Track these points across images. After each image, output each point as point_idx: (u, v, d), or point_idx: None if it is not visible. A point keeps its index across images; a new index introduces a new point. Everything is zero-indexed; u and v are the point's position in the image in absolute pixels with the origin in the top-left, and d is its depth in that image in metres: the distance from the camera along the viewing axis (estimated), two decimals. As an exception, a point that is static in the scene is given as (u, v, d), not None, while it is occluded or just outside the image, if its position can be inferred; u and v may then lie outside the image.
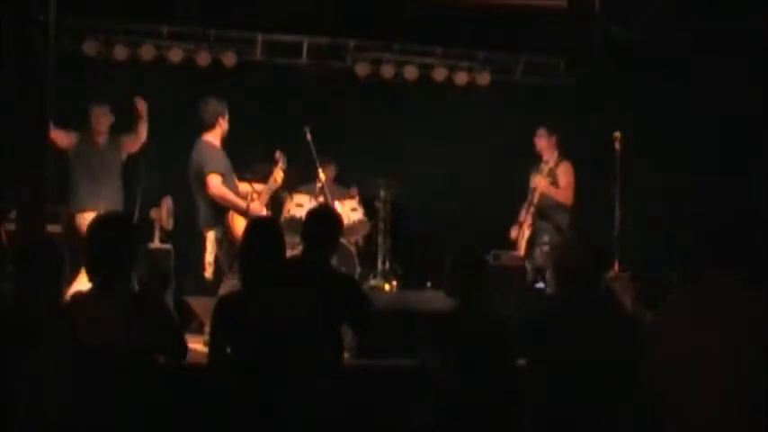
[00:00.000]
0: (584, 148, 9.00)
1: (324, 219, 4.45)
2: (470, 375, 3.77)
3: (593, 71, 8.56)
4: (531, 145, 7.55)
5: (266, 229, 3.80)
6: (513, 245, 7.29)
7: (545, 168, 7.21)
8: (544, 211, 7.10)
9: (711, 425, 2.67)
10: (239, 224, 6.06)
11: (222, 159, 6.32)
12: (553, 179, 7.12)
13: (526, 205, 7.31)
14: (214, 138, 6.31)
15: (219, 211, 6.20)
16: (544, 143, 7.27)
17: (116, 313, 3.13)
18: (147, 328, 3.15)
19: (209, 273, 6.11)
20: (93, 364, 3.05)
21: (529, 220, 7.09)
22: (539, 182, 7.07)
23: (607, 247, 4.42)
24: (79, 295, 3.26)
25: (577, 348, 3.54)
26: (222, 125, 6.33)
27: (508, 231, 7.47)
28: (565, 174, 7.08)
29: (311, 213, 4.64)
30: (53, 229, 7.23)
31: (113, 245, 3.26)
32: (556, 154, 7.23)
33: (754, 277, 2.75)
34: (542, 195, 7.08)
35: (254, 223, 4.07)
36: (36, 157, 6.41)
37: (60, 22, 7.52)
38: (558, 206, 7.06)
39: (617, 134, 7.06)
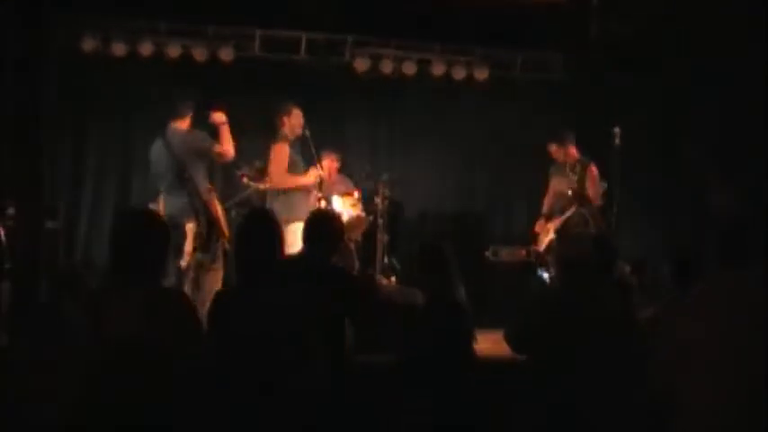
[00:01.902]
0: (583, 144, 9.03)
1: (325, 220, 4.51)
2: (434, 369, 3.80)
3: (592, 67, 8.57)
4: (529, 141, 7.51)
5: (263, 225, 3.75)
6: (535, 238, 7.25)
7: (569, 173, 7.09)
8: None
9: (717, 422, 2.66)
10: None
11: None
12: (581, 183, 7.02)
13: (549, 202, 7.24)
14: (185, 125, 6.29)
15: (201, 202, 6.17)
16: (561, 154, 7.19)
17: (143, 310, 3.11)
18: (171, 326, 3.13)
19: (185, 262, 6.08)
20: (116, 359, 3.03)
21: (556, 224, 7.01)
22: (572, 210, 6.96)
23: (611, 243, 4.39)
24: (106, 291, 3.24)
25: (578, 344, 3.54)
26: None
27: (507, 226, 7.44)
28: (591, 180, 7.00)
29: (313, 215, 4.68)
30: (53, 225, 7.24)
31: (146, 241, 3.23)
32: (577, 158, 7.14)
33: (759, 274, 2.74)
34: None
35: (251, 218, 4.02)
36: (34, 153, 6.40)
37: (58, 19, 7.52)
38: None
39: (616, 129, 7.03)
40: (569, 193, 6.92)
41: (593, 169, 7.03)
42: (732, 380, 2.66)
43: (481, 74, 8.81)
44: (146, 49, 8.19)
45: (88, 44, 8.07)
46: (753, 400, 2.62)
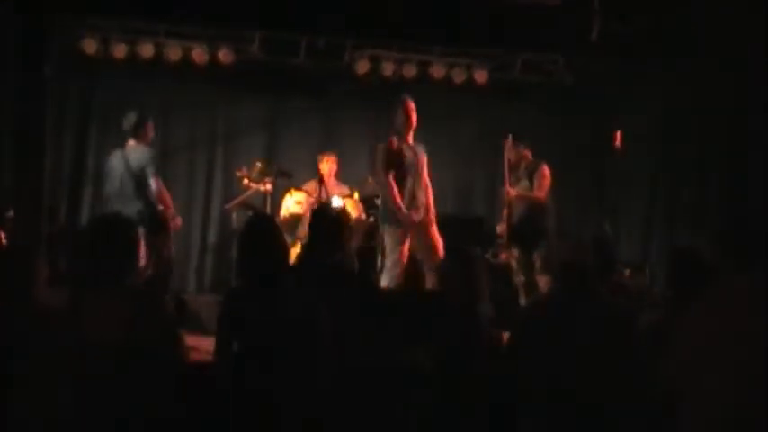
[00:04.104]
0: (581, 146, 9.04)
1: (325, 217, 4.40)
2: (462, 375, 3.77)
3: (592, 69, 8.57)
4: (529, 143, 7.47)
5: (267, 227, 3.76)
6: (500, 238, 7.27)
7: (522, 173, 7.09)
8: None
9: (724, 424, 2.66)
10: None
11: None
12: (530, 180, 7.01)
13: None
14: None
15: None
16: (514, 154, 7.15)
17: (117, 312, 3.13)
18: (148, 327, 3.15)
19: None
20: (94, 362, 3.05)
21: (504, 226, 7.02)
22: (509, 192, 6.95)
23: (609, 245, 4.38)
24: (80, 295, 3.26)
25: (577, 350, 3.53)
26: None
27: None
28: (540, 177, 6.97)
29: (313, 211, 4.64)
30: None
31: (115, 245, 3.26)
32: (528, 161, 7.11)
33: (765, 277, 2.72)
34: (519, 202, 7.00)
35: (254, 221, 4.02)
36: (34, 155, 6.41)
37: (59, 20, 7.53)
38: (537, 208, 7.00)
39: (618, 132, 7.01)
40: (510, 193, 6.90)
41: (545, 168, 6.95)
42: (740, 382, 2.65)
43: (481, 76, 8.81)
44: (146, 50, 8.20)
45: (88, 46, 8.07)
46: (761, 403, 2.61)
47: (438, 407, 3.74)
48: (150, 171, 6.47)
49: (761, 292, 2.70)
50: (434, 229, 6.49)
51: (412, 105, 6.33)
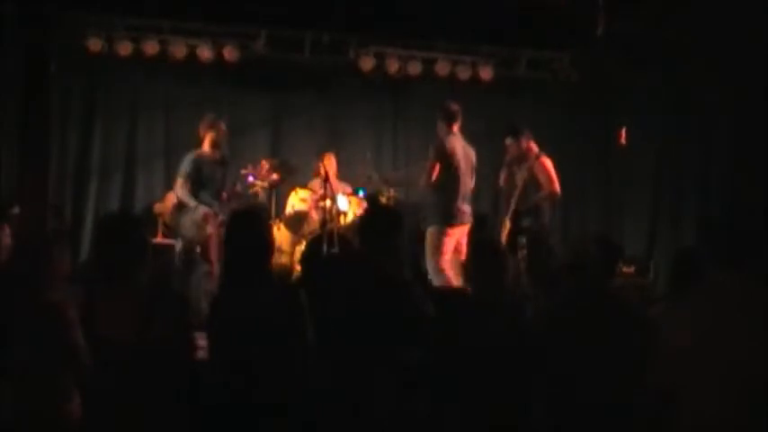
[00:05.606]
0: (587, 144, 9.03)
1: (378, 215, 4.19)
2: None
3: (598, 66, 8.56)
4: (535, 140, 7.45)
5: (255, 224, 3.66)
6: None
7: (523, 169, 7.07)
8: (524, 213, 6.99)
9: (716, 423, 2.66)
10: None
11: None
12: (532, 180, 6.98)
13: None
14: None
15: None
16: (515, 150, 7.09)
17: (130, 310, 3.13)
18: (158, 327, 3.14)
19: None
20: (107, 360, 3.06)
21: (508, 224, 6.97)
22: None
23: (614, 242, 4.37)
24: (94, 292, 3.25)
25: (586, 348, 3.52)
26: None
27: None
28: (542, 171, 6.93)
29: (368, 210, 4.55)
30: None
31: (125, 243, 3.26)
32: (532, 154, 7.06)
33: (758, 275, 2.73)
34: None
35: (240, 218, 3.84)
36: (38, 152, 6.41)
37: (63, 18, 7.53)
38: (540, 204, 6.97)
39: (623, 129, 6.99)
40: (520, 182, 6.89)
41: (544, 160, 6.91)
42: (731, 381, 2.65)
43: (486, 73, 8.80)
44: (150, 48, 8.19)
45: (93, 43, 8.07)
46: (752, 401, 2.62)
47: (438, 407, 3.73)
48: (179, 173, 6.77)
49: (753, 292, 2.71)
50: None
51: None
